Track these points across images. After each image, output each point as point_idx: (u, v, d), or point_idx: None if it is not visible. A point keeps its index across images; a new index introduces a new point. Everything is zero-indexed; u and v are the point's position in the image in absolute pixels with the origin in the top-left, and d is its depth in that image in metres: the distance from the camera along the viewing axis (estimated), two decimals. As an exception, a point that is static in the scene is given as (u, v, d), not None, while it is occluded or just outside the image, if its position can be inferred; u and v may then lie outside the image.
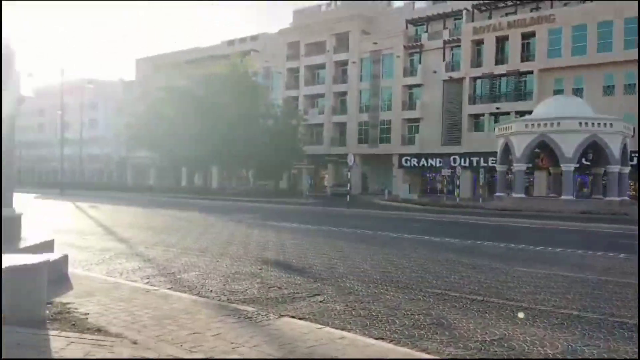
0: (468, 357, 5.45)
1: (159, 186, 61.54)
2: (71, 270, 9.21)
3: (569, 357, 5.49)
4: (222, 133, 47.67)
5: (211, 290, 8.45)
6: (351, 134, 57.54)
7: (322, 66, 60.08)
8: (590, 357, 5.51)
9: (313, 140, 59.20)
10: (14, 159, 10.11)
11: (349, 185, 39.26)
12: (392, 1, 62.48)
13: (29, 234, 10.64)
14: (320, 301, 7.82)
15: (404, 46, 54.12)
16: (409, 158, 53.51)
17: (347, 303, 7.70)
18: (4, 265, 5.68)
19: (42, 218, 21.90)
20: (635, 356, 5.16)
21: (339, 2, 60.98)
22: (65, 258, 9.11)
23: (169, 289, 8.36)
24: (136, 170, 77.63)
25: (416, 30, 55.42)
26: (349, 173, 39.25)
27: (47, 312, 6.25)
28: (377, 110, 55.94)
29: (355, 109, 57.51)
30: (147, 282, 8.97)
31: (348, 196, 37.45)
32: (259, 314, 6.71)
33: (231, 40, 69.72)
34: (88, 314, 6.42)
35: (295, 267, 10.87)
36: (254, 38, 68.35)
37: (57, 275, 8.22)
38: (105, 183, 73.67)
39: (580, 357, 5.50)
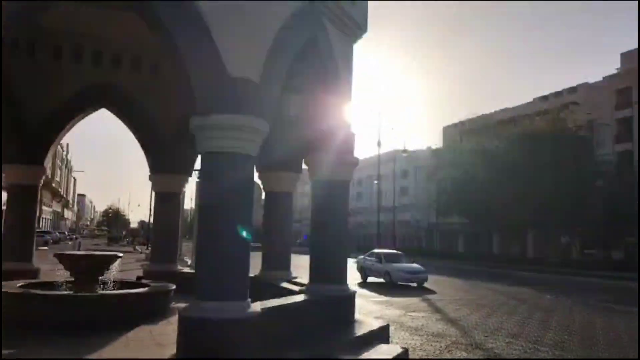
0: None
1: (468, 252, 59.03)
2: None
3: None
4: (542, 196, 42.76)
5: None
6: None
7: (663, 112, 49.56)
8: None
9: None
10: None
11: None
12: None
13: (360, 315, 9.40)
14: None
15: None
16: None
17: None
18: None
19: (361, 290, 21.69)
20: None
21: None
22: (405, 353, 7.35)
23: None
24: (444, 236, 77.16)
25: None
26: None
27: None
28: None
29: None
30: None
31: None
32: None
33: (544, 95, 64.53)
34: None
35: None
36: (571, 90, 61.74)
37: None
38: (415, 248, 75.03)
39: None
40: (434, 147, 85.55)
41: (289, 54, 7.15)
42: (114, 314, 8.13)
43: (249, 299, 6.32)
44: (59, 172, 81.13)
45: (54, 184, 71.90)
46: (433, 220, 76.76)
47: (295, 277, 11.71)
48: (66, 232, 79.87)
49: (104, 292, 8.90)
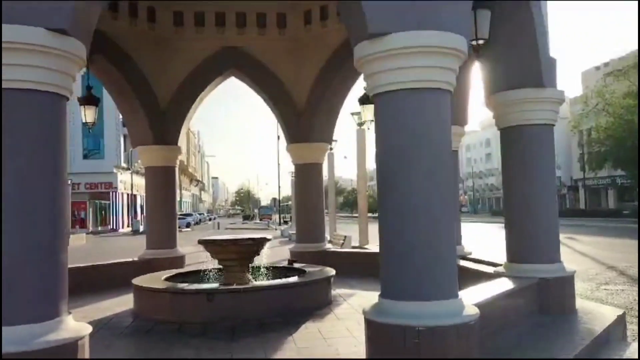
0: None
1: (621, 208, 52.40)
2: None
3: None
4: None
5: None
6: None
7: None
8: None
9: None
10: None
11: None
12: None
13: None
14: None
15: None
16: None
17: None
18: None
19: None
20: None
21: None
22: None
23: None
24: (592, 192, 69.64)
25: None
26: None
27: None
28: None
29: None
30: None
31: None
32: None
33: None
34: None
35: None
36: None
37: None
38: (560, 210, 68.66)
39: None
40: (571, 95, 77.09)
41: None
42: (273, 309, 6.82)
43: (460, 296, 4.49)
44: (193, 158, 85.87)
45: (190, 169, 76.18)
46: (577, 176, 69.64)
47: (470, 252, 9.73)
48: (205, 214, 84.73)
49: (259, 282, 7.65)
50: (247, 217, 75.96)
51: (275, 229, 42.92)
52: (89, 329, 4.18)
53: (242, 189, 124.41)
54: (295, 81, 11.28)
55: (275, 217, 58.54)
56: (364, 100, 10.84)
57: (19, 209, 3.79)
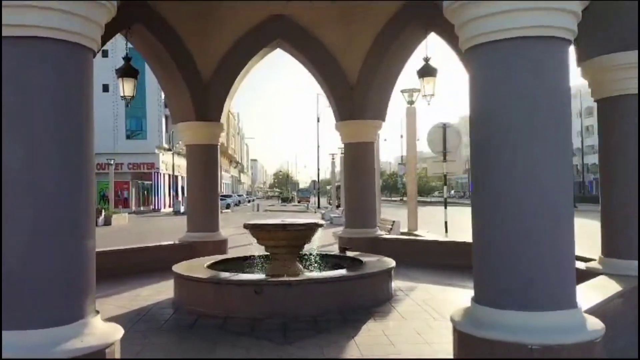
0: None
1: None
2: None
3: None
4: None
5: None
6: None
7: None
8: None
9: None
10: None
11: None
12: None
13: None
14: None
15: None
16: None
17: None
18: None
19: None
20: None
21: None
22: None
23: None
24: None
25: None
26: None
27: None
28: None
29: None
30: None
31: None
32: None
33: None
34: None
35: None
36: None
37: None
38: None
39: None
40: None
41: None
42: (328, 304, 6.01)
43: (579, 305, 3.54)
44: (232, 139, 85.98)
45: (229, 151, 76.29)
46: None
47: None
48: (244, 195, 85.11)
49: (312, 274, 6.84)
50: (285, 200, 75.72)
51: (315, 212, 42.29)
52: (119, 332, 3.43)
53: (280, 171, 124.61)
54: (346, 52, 10.32)
55: (314, 199, 57.98)
56: (423, 72, 9.78)
57: (28, 186, 3.04)
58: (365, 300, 6.29)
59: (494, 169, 3.53)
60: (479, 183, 3.66)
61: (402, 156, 67.00)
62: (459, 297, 6.82)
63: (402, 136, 68.69)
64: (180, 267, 6.90)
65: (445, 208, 14.72)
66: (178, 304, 6.60)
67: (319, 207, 49.08)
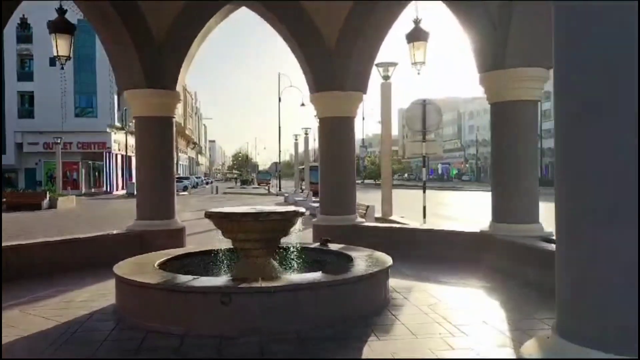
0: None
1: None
2: None
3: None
4: None
5: None
6: None
7: None
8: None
9: None
10: None
11: None
12: None
13: None
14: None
15: None
16: None
17: None
18: None
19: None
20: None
21: None
22: None
23: None
24: None
25: None
26: None
27: None
28: None
29: None
30: None
31: None
32: None
33: None
34: None
35: None
36: None
37: None
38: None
39: None
40: None
41: None
42: (316, 315, 4.72)
43: None
44: (190, 120, 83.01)
45: (187, 132, 73.54)
46: None
47: (551, 233, 7.61)
48: (202, 177, 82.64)
49: (294, 277, 5.48)
50: (245, 182, 73.80)
51: (277, 195, 40.88)
52: None
53: (239, 152, 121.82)
54: (325, 11, 8.92)
55: (275, 182, 56.44)
56: (413, 36, 8.50)
57: None
58: (361, 308, 5.02)
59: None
60: (562, 179, 2.40)
61: (362, 139, 66.21)
62: (467, 301, 5.75)
63: (363, 118, 67.85)
64: (123, 267, 5.44)
65: (424, 192, 13.63)
66: (121, 314, 5.16)
67: (280, 189, 47.62)
